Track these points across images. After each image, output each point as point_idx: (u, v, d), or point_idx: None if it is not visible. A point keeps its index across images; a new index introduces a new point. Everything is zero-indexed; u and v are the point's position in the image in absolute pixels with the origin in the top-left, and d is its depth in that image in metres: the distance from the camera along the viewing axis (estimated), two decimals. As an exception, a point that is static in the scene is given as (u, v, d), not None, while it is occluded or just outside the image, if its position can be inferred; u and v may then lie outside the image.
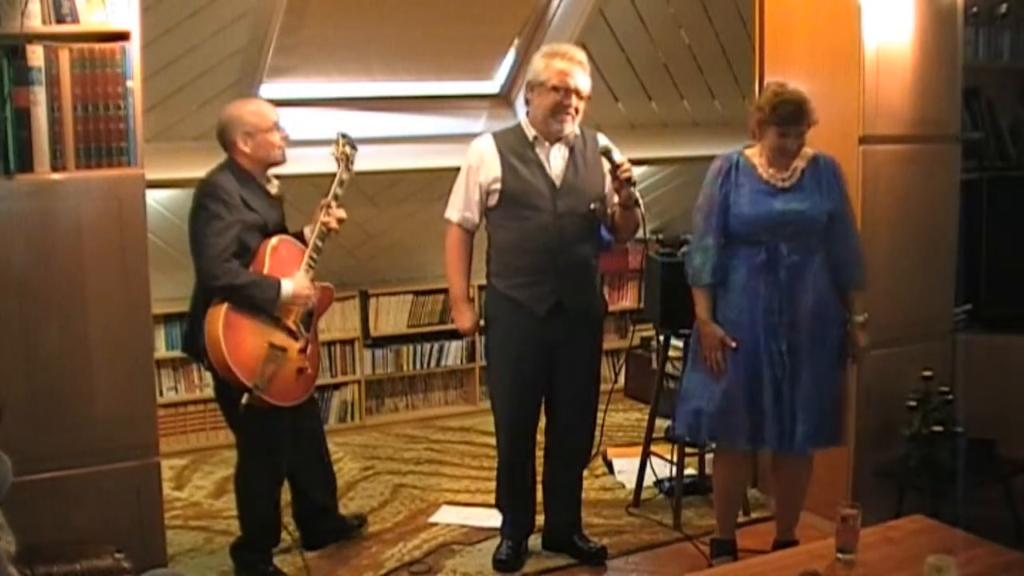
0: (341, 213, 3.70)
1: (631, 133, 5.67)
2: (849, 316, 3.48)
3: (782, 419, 3.42)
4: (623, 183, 3.50)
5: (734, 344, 3.43)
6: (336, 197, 3.70)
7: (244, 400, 3.40)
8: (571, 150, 3.62)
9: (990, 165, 4.34)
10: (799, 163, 3.45)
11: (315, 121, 4.77)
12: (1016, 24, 4.27)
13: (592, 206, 3.60)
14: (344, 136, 3.75)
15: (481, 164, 3.61)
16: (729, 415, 3.48)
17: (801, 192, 3.41)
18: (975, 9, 4.14)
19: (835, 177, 3.47)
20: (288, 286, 3.50)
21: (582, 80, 3.55)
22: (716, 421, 3.51)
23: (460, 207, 3.65)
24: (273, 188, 3.65)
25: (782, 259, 3.39)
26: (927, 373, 3.77)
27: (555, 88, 3.52)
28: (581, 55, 3.62)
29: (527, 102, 3.65)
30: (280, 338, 3.52)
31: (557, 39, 4.97)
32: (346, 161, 3.72)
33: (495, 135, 3.69)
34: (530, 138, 3.60)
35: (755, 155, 3.47)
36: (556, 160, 3.61)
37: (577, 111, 3.57)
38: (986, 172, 4.27)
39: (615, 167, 3.49)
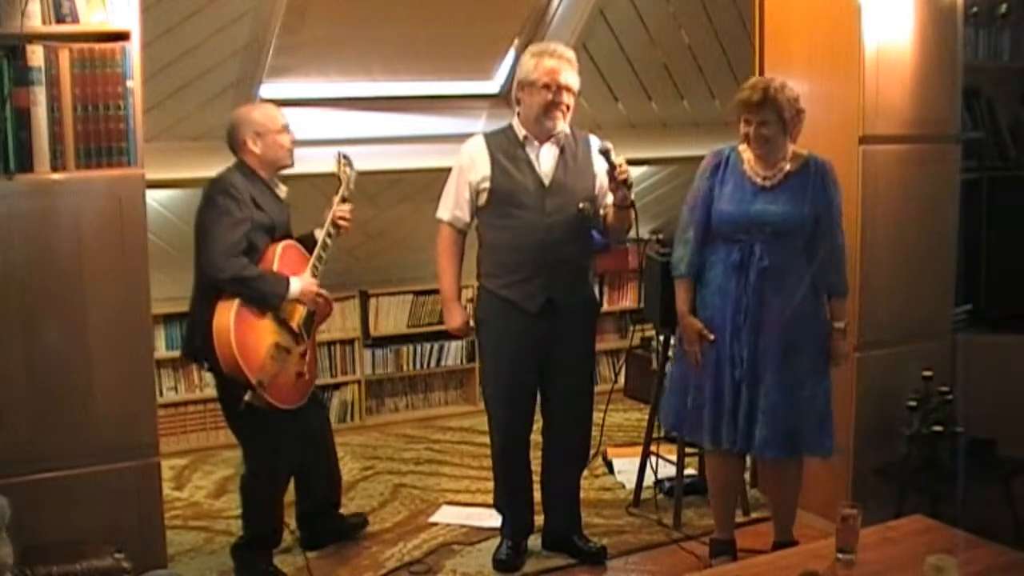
0: (347, 206, 3.74)
1: (631, 133, 5.67)
2: (832, 322, 3.45)
3: (738, 421, 3.43)
4: (620, 184, 3.50)
5: (712, 337, 3.44)
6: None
7: (247, 397, 3.41)
8: (561, 150, 3.62)
9: (990, 165, 4.34)
10: (787, 164, 3.41)
11: (315, 121, 4.77)
12: (1016, 24, 4.27)
13: (581, 206, 3.60)
14: (345, 157, 3.79)
15: (471, 164, 3.62)
16: (695, 411, 3.52)
17: (783, 194, 3.39)
18: (975, 9, 4.14)
19: (825, 182, 3.41)
20: (296, 284, 3.53)
21: (571, 77, 3.57)
22: (685, 416, 3.55)
23: (451, 206, 3.66)
24: (282, 192, 3.67)
25: (755, 261, 3.38)
26: (927, 373, 3.77)
27: (546, 86, 3.52)
28: (569, 52, 3.63)
29: (517, 102, 3.65)
30: (285, 339, 3.54)
31: (557, 39, 4.96)
32: (347, 181, 3.76)
33: (486, 136, 3.70)
34: (520, 138, 3.61)
35: (745, 151, 3.47)
36: (546, 159, 3.61)
37: (568, 108, 3.57)
38: (986, 172, 4.27)
39: (613, 168, 3.49)
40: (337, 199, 3.72)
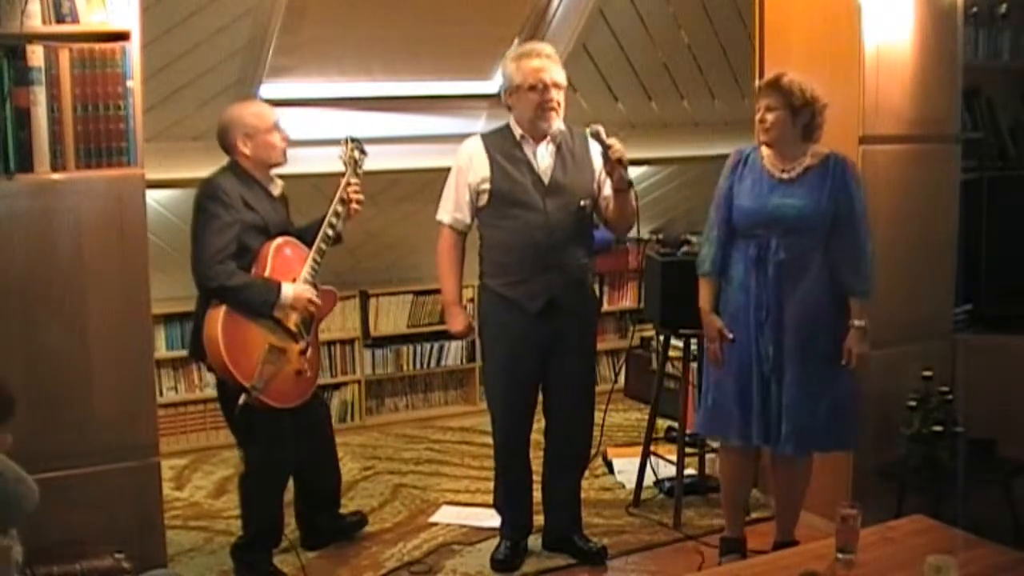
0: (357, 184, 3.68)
1: (631, 133, 5.66)
2: (849, 320, 3.42)
3: (769, 417, 3.43)
4: (615, 165, 3.48)
5: (731, 336, 3.44)
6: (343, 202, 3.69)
7: (241, 401, 3.40)
8: (559, 147, 3.61)
9: (990, 165, 4.34)
10: (807, 160, 3.41)
11: (315, 121, 4.76)
12: (1016, 24, 4.27)
13: (582, 203, 3.59)
14: (353, 140, 3.74)
15: (470, 165, 3.61)
16: (721, 409, 3.51)
17: (801, 189, 3.38)
18: (975, 9, 4.14)
19: (845, 177, 3.40)
20: (288, 291, 3.49)
21: (557, 73, 3.55)
22: (709, 414, 3.54)
23: (451, 209, 3.65)
24: (276, 189, 3.65)
25: (771, 256, 3.38)
26: (927, 373, 3.76)
27: (532, 87, 3.51)
28: (549, 49, 3.62)
29: (508, 108, 3.64)
30: (280, 339, 3.51)
31: (557, 39, 4.98)
32: (354, 165, 3.71)
33: (483, 136, 3.69)
34: (517, 137, 3.60)
35: (766, 148, 3.47)
36: (544, 158, 3.60)
37: (559, 104, 3.56)
38: (986, 172, 4.27)
39: (605, 148, 3.48)
40: (344, 181, 3.68)
